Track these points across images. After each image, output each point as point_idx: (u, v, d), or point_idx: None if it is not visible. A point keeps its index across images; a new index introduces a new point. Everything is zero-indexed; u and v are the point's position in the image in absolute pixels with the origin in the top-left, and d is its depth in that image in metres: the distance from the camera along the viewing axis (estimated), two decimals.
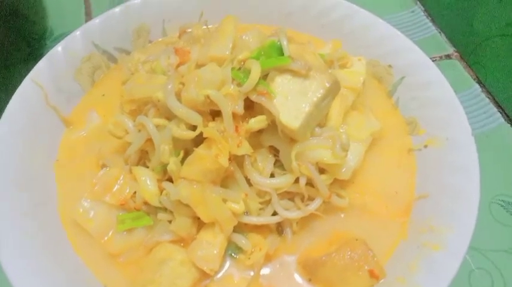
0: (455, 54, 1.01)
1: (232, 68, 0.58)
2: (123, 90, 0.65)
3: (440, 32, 1.05)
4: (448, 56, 1.01)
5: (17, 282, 0.52)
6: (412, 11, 1.11)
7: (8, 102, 0.67)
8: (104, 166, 0.66)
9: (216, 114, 0.59)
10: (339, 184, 0.64)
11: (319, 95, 0.57)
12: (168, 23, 0.84)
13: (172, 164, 0.58)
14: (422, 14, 1.09)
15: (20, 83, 0.69)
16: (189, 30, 0.71)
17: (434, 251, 0.57)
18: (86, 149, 0.71)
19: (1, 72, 0.90)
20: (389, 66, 0.78)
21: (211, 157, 0.56)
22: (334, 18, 0.83)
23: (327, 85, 0.57)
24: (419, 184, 0.68)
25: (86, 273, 0.59)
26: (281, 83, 0.58)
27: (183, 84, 0.58)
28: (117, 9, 0.79)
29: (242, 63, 0.59)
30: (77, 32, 0.76)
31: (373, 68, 0.79)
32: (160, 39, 0.85)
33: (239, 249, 0.60)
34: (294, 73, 0.59)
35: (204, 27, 0.71)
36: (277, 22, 0.86)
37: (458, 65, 1.00)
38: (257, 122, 0.58)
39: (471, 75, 0.97)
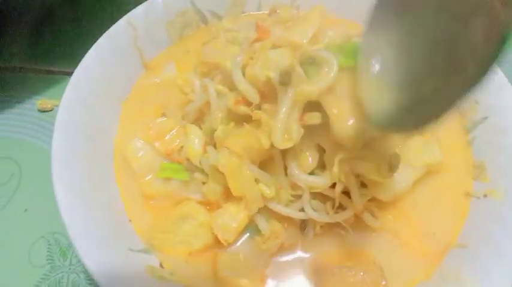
0: None
1: (304, 61, 0.58)
2: (201, 51, 0.69)
3: None
4: None
5: (58, 190, 0.58)
6: None
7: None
8: (163, 115, 0.70)
9: (275, 97, 0.60)
10: (377, 203, 0.62)
11: None
12: None
13: (220, 132, 0.60)
14: None
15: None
16: (278, 11, 0.72)
17: None
18: (154, 94, 0.75)
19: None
20: (476, 102, 0.72)
21: (256, 136, 0.57)
22: None
23: None
24: (464, 232, 0.63)
25: (118, 203, 0.64)
26: (347, 85, 0.57)
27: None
28: None
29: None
30: None
31: None
32: (253, 12, 0.87)
33: (258, 231, 0.61)
34: None
35: (295, 11, 0.71)
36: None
37: None
38: (310, 117, 0.57)
39: None
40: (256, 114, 0.57)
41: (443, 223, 0.64)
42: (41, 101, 0.89)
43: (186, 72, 0.73)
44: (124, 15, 0.76)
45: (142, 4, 0.78)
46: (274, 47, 0.61)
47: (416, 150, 0.63)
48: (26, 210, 0.76)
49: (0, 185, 0.79)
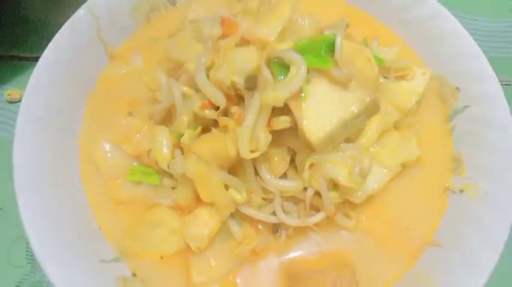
0: None
1: (271, 60, 0.54)
2: (166, 45, 0.64)
3: None
4: None
5: (21, 197, 0.57)
6: None
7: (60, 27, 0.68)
8: (130, 114, 0.67)
9: (242, 99, 0.56)
10: (350, 203, 0.61)
11: (351, 113, 0.53)
12: None
13: (186, 137, 0.57)
14: None
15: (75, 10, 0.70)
16: None
17: None
18: (120, 87, 0.71)
19: None
20: (457, 88, 0.68)
21: (223, 142, 0.55)
22: (416, 16, 0.73)
23: (363, 104, 0.52)
24: (440, 229, 0.62)
25: (86, 209, 0.62)
26: (316, 88, 0.54)
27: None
28: None
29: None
30: None
31: (439, 85, 0.70)
32: None
33: (230, 235, 0.61)
34: (334, 80, 0.54)
35: None
36: (355, 2, 0.79)
37: None
38: (279, 122, 0.54)
39: None
40: (223, 120, 0.54)
41: (419, 220, 0.63)
42: (9, 91, 0.86)
43: (153, 64, 0.70)
44: None
45: None
46: (243, 40, 0.58)
47: (391, 149, 0.61)
48: (1, 209, 0.75)
49: None
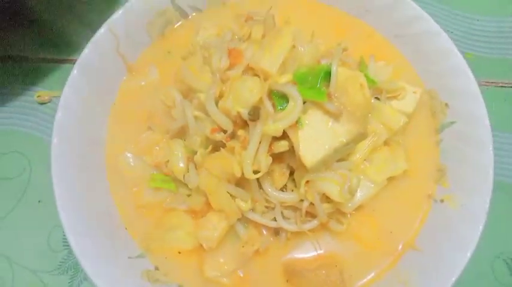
0: None
1: (273, 91, 0.61)
2: (180, 67, 0.71)
3: None
4: None
5: (60, 201, 0.67)
6: None
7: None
8: (149, 128, 0.75)
9: (247, 123, 0.64)
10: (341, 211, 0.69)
11: (341, 142, 0.60)
12: None
13: (199, 156, 0.66)
14: None
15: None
16: (256, 18, 0.72)
17: None
18: (141, 98, 0.79)
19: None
20: (446, 104, 0.74)
21: (230, 162, 0.63)
22: (412, 32, 0.77)
23: (351, 136, 0.60)
24: (422, 234, 0.70)
25: (114, 213, 0.72)
26: (311, 117, 0.61)
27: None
28: None
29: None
30: None
31: (430, 99, 0.76)
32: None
33: (237, 237, 0.70)
34: (327, 112, 0.61)
35: (271, 21, 0.71)
36: (355, 13, 0.83)
37: None
38: (279, 146, 0.62)
39: None
40: (230, 144, 0.62)
41: (403, 223, 0.71)
42: (39, 93, 0.93)
43: (167, 76, 0.77)
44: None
45: (121, 8, 0.77)
46: (248, 68, 0.65)
47: (379, 165, 0.68)
48: (39, 201, 0.85)
49: (13, 178, 0.87)
